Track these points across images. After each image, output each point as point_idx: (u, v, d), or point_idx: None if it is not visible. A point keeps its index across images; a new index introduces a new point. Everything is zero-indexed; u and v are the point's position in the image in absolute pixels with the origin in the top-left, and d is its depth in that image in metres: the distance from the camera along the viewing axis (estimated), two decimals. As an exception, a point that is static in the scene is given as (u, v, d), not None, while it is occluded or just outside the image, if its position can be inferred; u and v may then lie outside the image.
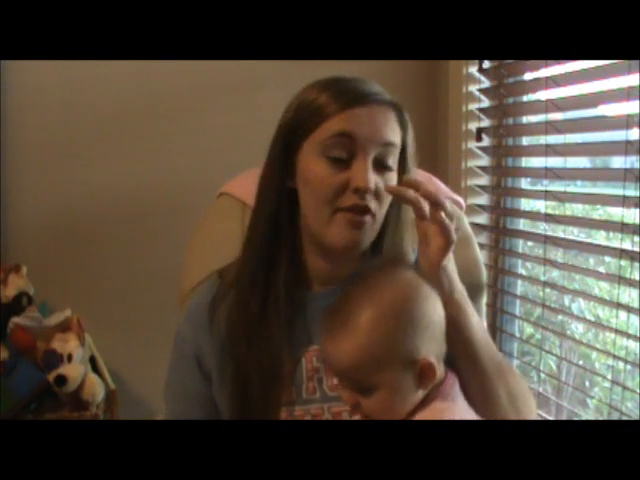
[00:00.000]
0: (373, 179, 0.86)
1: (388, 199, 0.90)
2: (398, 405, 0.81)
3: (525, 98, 1.68)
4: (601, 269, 1.53)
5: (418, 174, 0.97)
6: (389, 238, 0.94)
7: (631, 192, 1.26)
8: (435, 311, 0.83)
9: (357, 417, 0.85)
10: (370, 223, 0.88)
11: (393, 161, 0.89)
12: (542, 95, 1.55)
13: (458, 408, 0.83)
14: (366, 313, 0.80)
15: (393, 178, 0.89)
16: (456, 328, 0.88)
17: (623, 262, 1.30)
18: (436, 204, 0.84)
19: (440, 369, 0.83)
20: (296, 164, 0.91)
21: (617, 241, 1.32)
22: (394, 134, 0.89)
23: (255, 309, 0.92)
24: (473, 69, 1.77)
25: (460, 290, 0.89)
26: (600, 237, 1.54)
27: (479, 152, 1.79)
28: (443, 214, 0.83)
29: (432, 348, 0.81)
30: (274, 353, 0.91)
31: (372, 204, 0.87)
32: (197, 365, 0.97)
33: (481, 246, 1.59)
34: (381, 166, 0.88)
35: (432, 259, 0.85)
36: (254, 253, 0.94)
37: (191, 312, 1.00)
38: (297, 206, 0.92)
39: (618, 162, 1.46)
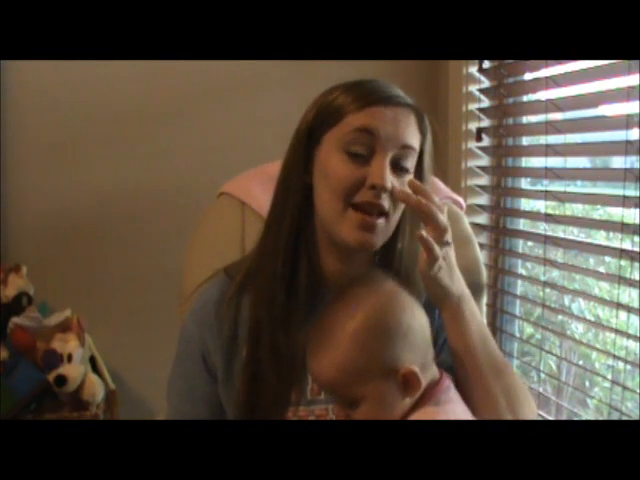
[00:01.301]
0: (390, 178, 0.86)
1: None
2: (386, 415, 0.81)
3: (525, 98, 1.68)
4: (601, 269, 1.53)
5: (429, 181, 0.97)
6: (402, 242, 0.94)
7: (631, 192, 1.26)
8: (414, 319, 0.83)
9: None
10: (383, 225, 0.88)
11: (411, 164, 0.89)
12: (542, 95, 1.55)
13: (453, 411, 0.83)
14: (343, 327, 0.81)
15: (407, 178, 0.89)
16: (450, 333, 0.89)
17: (623, 262, 1.30)
18: (426, 218, 0.85)
19: (429, 375, 0.83)
20: (314, 159, 0.91)
21: (617, 241, 1.32)
22: (414, 138, 0.89)
23: (279, 308, 0.91)
24: (473, 69, 1.76)
25: (458, 295, 0.89)
26: (600, 237, 1.54)
27: (479, 152, 1.79)
28: (424, 232, 0.84)
29: (414, 356, 0.81)
30: (294, 353, 0.90)
31: (386, 203, 0.87)
32: (203, 363, 0.97)
33: (481, 246, 1.59)
34: (398, 168, 0.88)
35: (419, 268, 0.87)
36: (275, 251, 0.93)
37: (197, 310, 0.99)
38: (313, 203, 0.92)
39: (618, 162, 1.46)
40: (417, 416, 0.81)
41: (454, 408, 0.83)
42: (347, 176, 0.87)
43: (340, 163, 0.87)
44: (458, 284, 0.89)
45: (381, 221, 0.88)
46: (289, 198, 0.93)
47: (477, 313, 0.92)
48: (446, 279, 0.87)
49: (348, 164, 0.87)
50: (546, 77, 1.49)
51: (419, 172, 0.92)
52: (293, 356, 0.90)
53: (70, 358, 1.46)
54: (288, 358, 0.90)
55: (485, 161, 1.79)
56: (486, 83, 1.77)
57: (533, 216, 1.67)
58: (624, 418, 1.32)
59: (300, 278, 0.92)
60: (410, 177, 0.89)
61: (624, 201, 1.27)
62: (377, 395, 0.80)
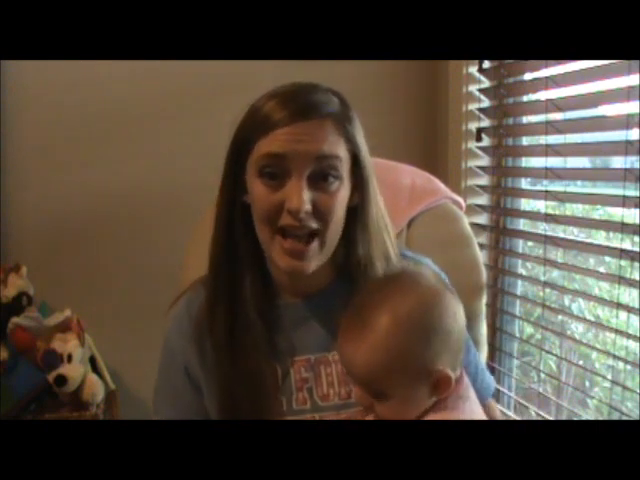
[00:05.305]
0: (308, 198, 0.84)
1: (337, 213, 0.88)
2: (410, 413, 0.81)
3: (525, 98, 1.68)
4: (601, 269, 1.53)
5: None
6: (359, 253, 0.92)
7: (631, 192, 1.26)
8: (455, 321, 0.82)
9: (370, 418, 0.84)
10: (316, 249, 0.87)
11: (337, 173, 0.87)
12: (542, 95, 1.55)
13: (470, 409, 0.82)
14: (384, 319, 0.79)
15: (339, 189, 0.87)
16: None
17: (623, 262, 1.30)
18: None
19: (456, 374, 0.82)
20: (247, 182, 0.91)
21: (617, 241, 1.32)
22: (333, 145, 0.86)
23: (227, 322, 0.92)
24: (473, 69, 1.76)
25: None
26: (600, 237, 1.54)
27: (479, 152, 1.79)
28: None
29: (449, 358, 0.80)
30: (254, 365, 0.90)
31: (312, 224, 0.86)
32: (186, 375, 0.96)
33: (481, 246, 1.59)
34: (322, 180, 0.86)
35: None
36: (215, 268, 0.95)
37: (177, 322, 0.99)
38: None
39: (618, 162, 1.46)
40: (440, 416, 0.80)
41: (471, 405, 0.83)
42: (266, 202, 0.86)
43: (259, 189, 0.87)
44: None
45: (313, 245, 0.86)
46: (223, 218, 0.94)
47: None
48: None
49: (265, 190, 0.86)
50: (546, 77, 1.49)
51: (359, 178, 0.90)
52: (256, 368, 0.90)
53: (70, 358, 1.46)
54: (251, 371, 0.90)
55: (485, 161, 1.79)
56: (486, 83, 1.76)
57: (533, 216, 1.67)
58: (624, 418, 1.32)
59: (244, 292, 0.92)
60: (337, 185, 0.86)
61: (624, 201, 1.27)
62: (407, 393, 0.80)
